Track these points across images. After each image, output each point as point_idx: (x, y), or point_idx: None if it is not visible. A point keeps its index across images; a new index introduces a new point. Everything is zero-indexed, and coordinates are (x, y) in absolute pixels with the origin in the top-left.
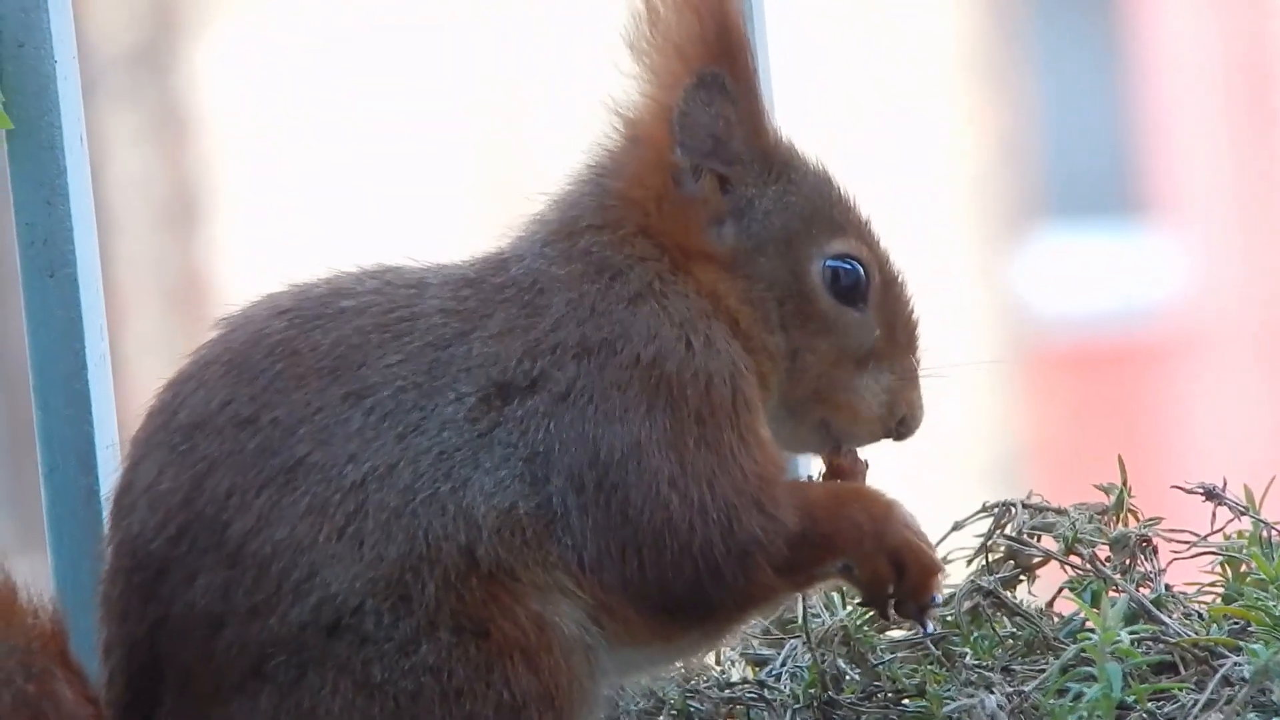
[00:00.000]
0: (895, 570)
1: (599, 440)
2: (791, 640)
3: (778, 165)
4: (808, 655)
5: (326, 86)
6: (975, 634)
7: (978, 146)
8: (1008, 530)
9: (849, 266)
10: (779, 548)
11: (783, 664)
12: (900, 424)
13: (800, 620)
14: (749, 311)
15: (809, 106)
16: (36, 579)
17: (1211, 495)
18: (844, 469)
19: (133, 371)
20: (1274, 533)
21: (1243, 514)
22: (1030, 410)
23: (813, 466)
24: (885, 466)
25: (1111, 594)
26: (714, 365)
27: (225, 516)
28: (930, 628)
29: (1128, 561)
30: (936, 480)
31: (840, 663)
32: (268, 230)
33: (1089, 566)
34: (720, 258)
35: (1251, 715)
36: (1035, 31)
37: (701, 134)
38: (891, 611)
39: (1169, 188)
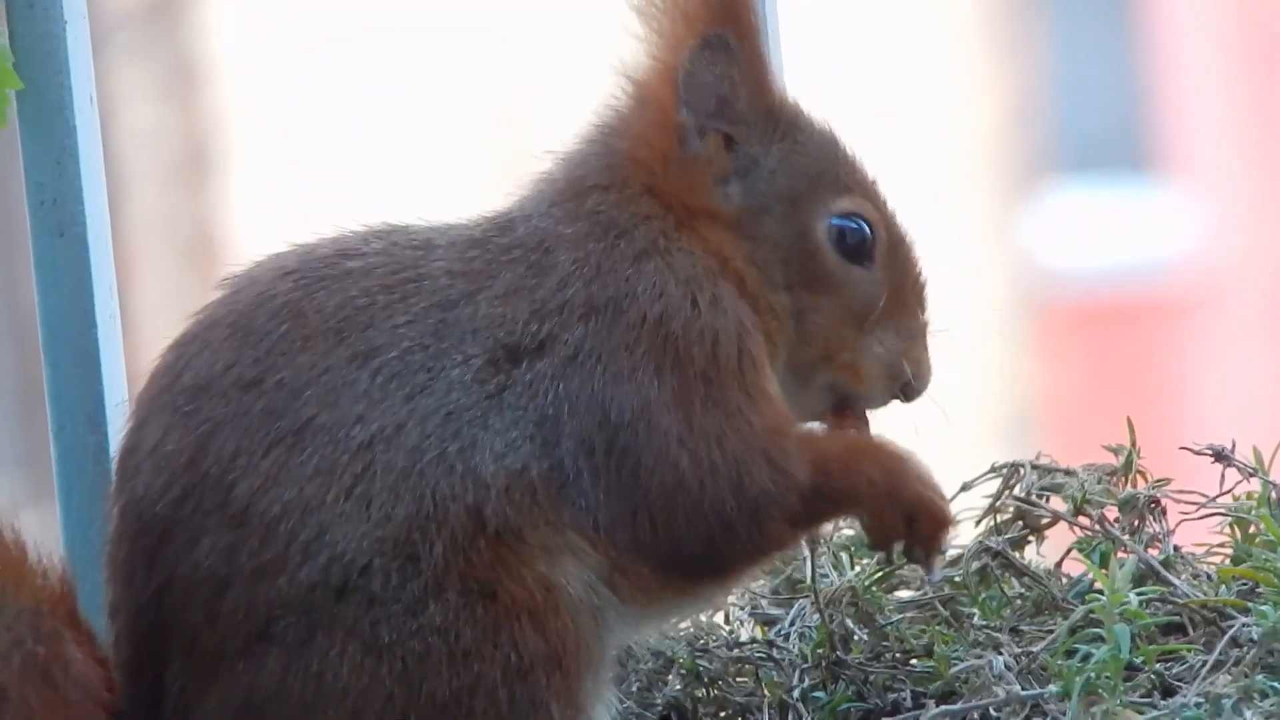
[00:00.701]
0: (907, 523)
1: (608, 402)
2: (800, 600)
3: (783, 124)
4: (816, 615)
5: (337, 39)
6: (983, 595)
7: (990, 103)
8: (1016, 491)
9: (855, 225)
10: (791, 501)
11: (791, 624)
12: (907, 385)
13: (809, 580)
14: (755, 271)
15: (820, 66)
16: (45, 533)
17: (1220, 456)
18: (848, 425)
19: (142, 329)
20: None
21: (1251, 475)
22: (1040, 368)
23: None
24: (894, 426)
25: (1120, 555)
26: (720, 323)
27: (231, 478)
28: (936, 576)
29: (1136, 523)
30: (945, 439)
31: (849, 623)
32: (279, 185)
33: (1098, 527)
34: (726, 217)
35: (1260, 676)
36: None
37: (706, 94)
38: (897, 555)
39: (1180, 145)
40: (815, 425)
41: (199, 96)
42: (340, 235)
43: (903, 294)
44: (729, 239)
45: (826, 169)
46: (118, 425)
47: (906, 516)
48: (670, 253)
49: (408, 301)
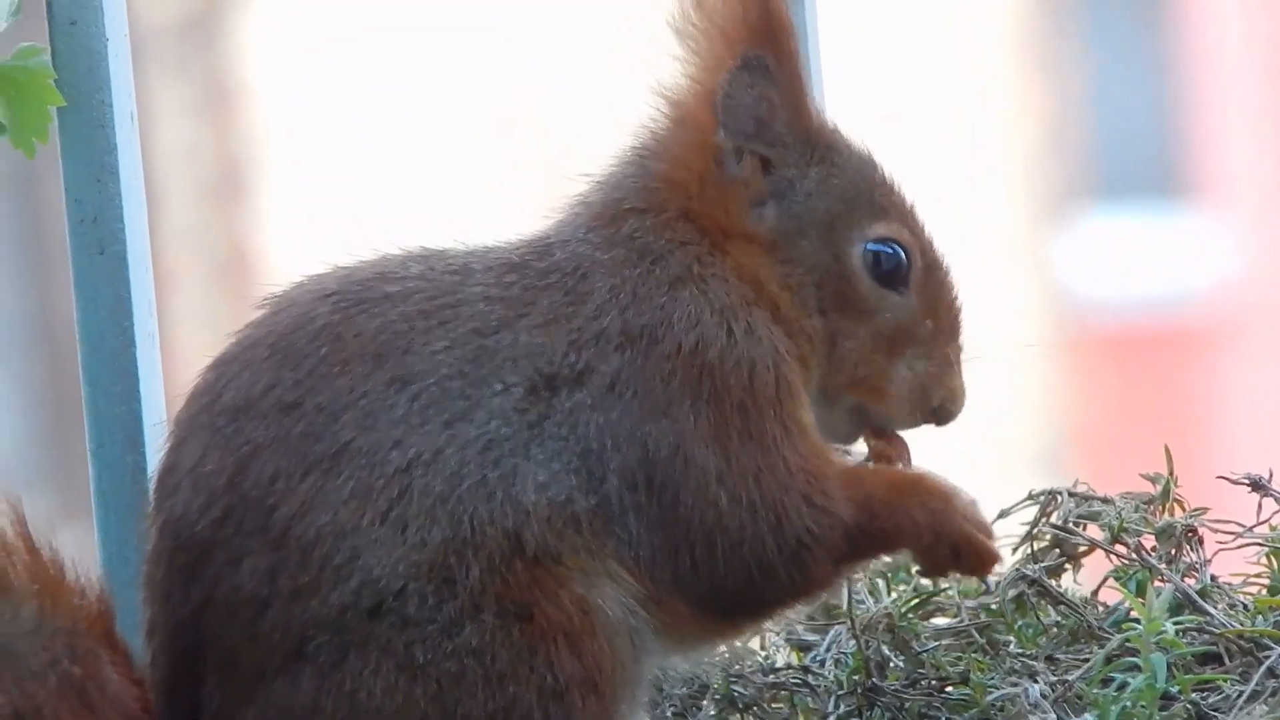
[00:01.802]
0: (954, 558)
1: (646, 436)
2: (836, 626)
3: (820, 147)
4: (852, 642)
5: (375, 59)
6: (1019, 622)
7: (1025, 130)
8: (1053, 519)
9: (890, 250)
10: (835, 541)
11: (827, 650)
12: (937, 410)
13: (845, 607)
14: (789, 295)
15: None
16: (82, 551)
17: (1258, 486)
18: (887, 452)
19: (178, 345)
20: None
21: None
22: (1076, 395)
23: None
24: (931, 452)
25: (1157, 584)
26: (756, 353)
27: (270, 501)
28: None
29: (1173, 551)
30: (983, 466)
31: (884, 649)
32: (314, 203)
33: (1134, 556)
34: (761, 240)
35: None
36: (1082, 15)
37: (744, 116)
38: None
39: (1215, 172)
40: (855, 449)
41: (235, 113)
42: (379, 259)
43: (937, 319)
44: (764, 262)
45: (863, 193)
46: (155, 444)
47: (953, 553)
48: (705, 279)
49: (446, 327)
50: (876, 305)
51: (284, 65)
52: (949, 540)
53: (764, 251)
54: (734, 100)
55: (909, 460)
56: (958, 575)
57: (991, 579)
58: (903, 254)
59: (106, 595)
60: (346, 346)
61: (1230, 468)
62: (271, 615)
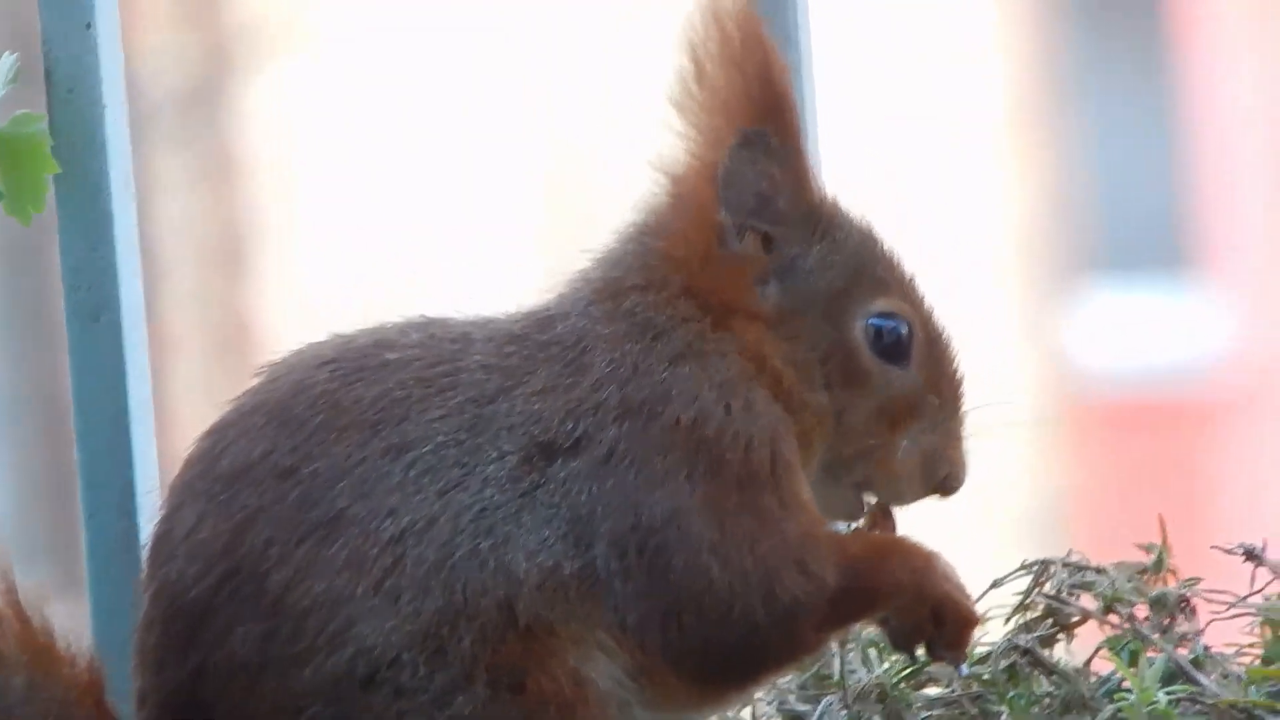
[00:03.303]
0: (934, 622)
1: (640, 505)
2: (828, 696)
3: (822, 223)
4: (844, 711)
5: (374, 133)
6: (1012, 692)
7: (1027, 199)
8: (1047, 588)
9: (892, 325)
10: (820, 607)
11: (819, 719)
12: (942, 483)
13: (837, 676)
14: (792, 371)
15: (857, 160)
16: (75, 624)
17: (1251, 556)
18: (879, 521)
19: (178, 416)
20: None
21: None
22: (1075, 467)
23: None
24: (925, 521)
25: (1150, 654)
26: (754, 428)
27: (265, 567)
28: (964, 670)
29: (1166, 621)
30: (976, 536)
31: (877, 719)
32: (314, 275)
33: (1127, 625)
34: (764, 317)
35: None
36: (1085, 84)
37: (746, 193)
38: (920, 653)
39: (1219, 244)
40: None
41: (235, 185)
42: (379, 326)
43: (939, 392)
44: (767, 339)
45: (865, 268)
46: (149, 512)
47: (934, 615)
48: (706, 356)
49: (444, 395)
50: (879, 380)
51: (285, 137)
52: (930, 600)
53: (767, 328)
54: (735, 177)
55: (895, 529)
56: (935, 648)
57: (983, 648)
58: (904, 328)
59: (98, 664)
60: (344, 414)
61: (1227, 539)
62: (265, 684)
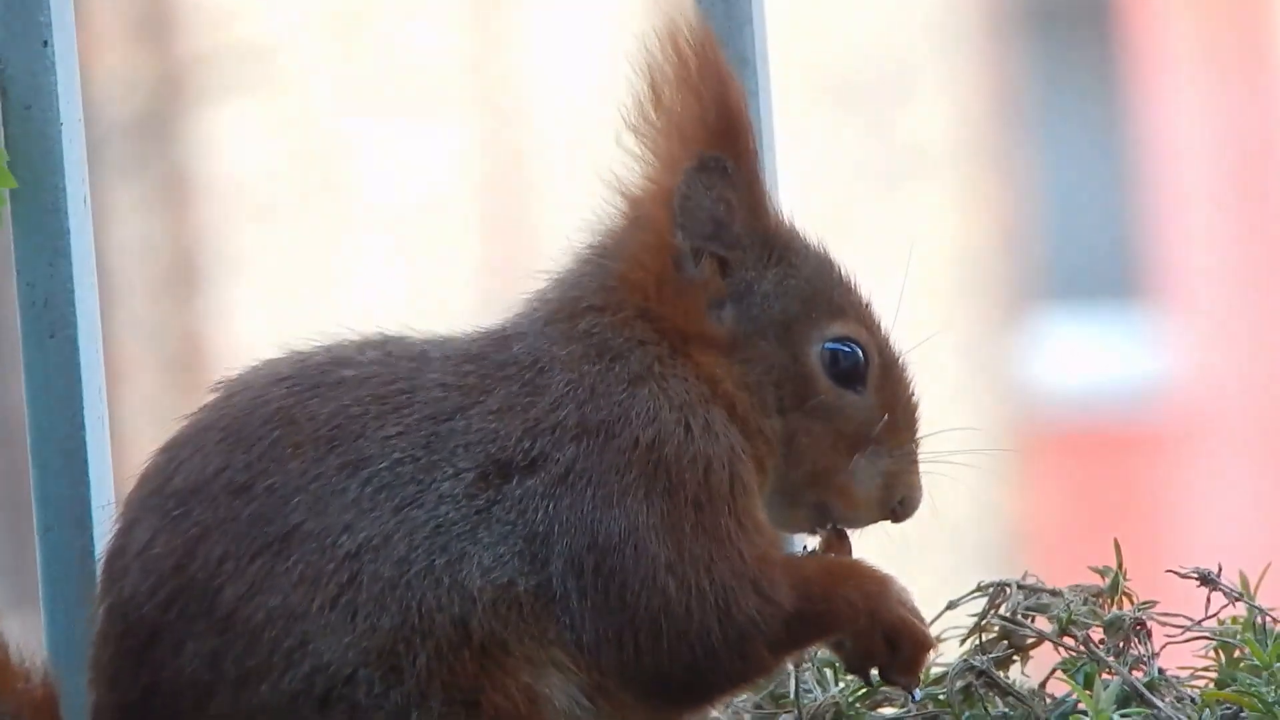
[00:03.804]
0: (889, 646)
1: (597, 524)
2: (783, 716)
3: (778, 248)
4: None
5: (328, 157)
6: (967, 714)
7: (980, 229)
8: (1002, 610)
9: (848, 349)
10: (775, 629)
11: None
12: (897, 507)
13: (793, 696)
14: (747, 395)
15: (811, 187)
16: (29, 639)
17: (1206, 580)
18: (833, 544)
19: (130, 433)
20: (1268, 618)
21: (1237, 599)
22: (1028, 492)
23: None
24: (880, 544)
25: (1104, 676)
26: (712, 450)
27: (217, 583)
28: (917, 695)
29: (1121, 644)
30: (932, 559)
31: None
32: (268, 298)
33: (1083, 648)
34: (719, 341)
35: None
36: (1037, 115)
37: (702, 217)
38: (874, 676)
39: (1170, 273)
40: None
41: (190, 209)
42: (336, 344)
43: (895, 417)
44: (722, 363)
45: (820, 292)
46: (104, 527)
47: (888, 639)
48: (664, 378)
49: (400, 413)
50: (835, 405)
51: (241, 161)
52: (884, 624)
53: (722, 353)
54: (691, 201)
55: (850, 552)
56: (890, 672)
57: (938, 669)
58: (860, 353)
59: (51, 679)
60: (299, 430)
61: (1182, 563)
62: (218, 702)
